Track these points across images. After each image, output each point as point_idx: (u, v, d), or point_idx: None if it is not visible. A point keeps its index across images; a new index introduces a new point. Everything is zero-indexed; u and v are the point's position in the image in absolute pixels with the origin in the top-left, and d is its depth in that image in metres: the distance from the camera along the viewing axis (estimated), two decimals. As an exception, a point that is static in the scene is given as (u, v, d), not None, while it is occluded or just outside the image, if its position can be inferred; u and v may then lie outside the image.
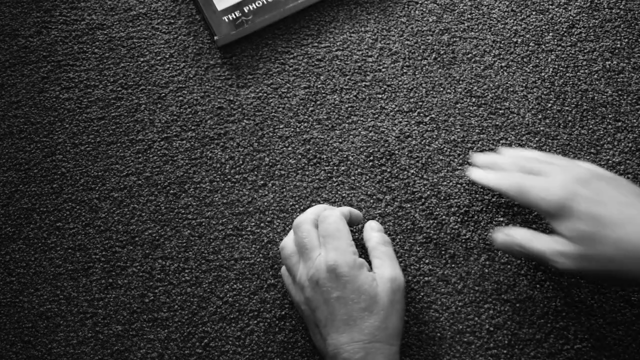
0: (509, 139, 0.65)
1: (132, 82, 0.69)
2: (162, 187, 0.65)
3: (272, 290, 0.61)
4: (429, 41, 0.70)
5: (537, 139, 0.65)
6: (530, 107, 0.67)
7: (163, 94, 0.69)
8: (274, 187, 0.65)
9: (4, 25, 0.72)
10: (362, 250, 0.60)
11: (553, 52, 0.69)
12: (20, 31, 0.71)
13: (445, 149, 0.65)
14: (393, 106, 0.67)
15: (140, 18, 0.72)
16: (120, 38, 0.71)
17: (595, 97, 0.67)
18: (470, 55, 0.69)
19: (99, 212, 0.64)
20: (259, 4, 0.69)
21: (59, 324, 0.61)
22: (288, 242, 0.58)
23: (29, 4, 0.72)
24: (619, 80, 0.67)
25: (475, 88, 0.68)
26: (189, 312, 0.61)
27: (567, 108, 0.66)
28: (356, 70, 0.69)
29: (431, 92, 0.68)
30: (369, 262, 0.58)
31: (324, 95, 0.68)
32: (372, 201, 0.64)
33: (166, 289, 0.62)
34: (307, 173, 0.65)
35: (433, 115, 0.67)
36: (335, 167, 0.65)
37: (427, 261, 0.62)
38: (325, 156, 0.66)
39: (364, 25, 0.70)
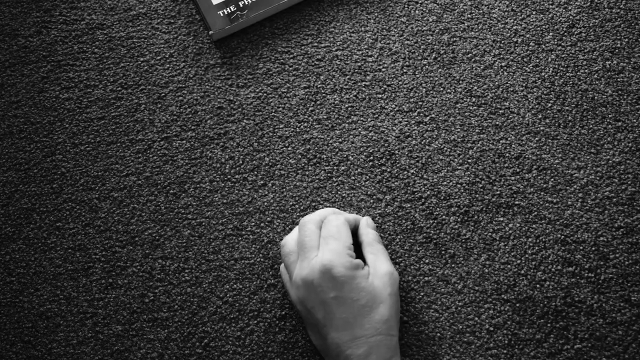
0: (509, 139, 0.65)
1: (132, 82, 0.69)
2: (162, 187, 0.65)
3: (272, 290, 0.61)
4: (429, 41, 0.70)
5: (537, 139, 0.65)
6: (530, 107, 0.67)
7: (163, 94, 0.69)
8: (274, 187, 0.65)
9: (4, 25, 0.72)
10: (356, 245, 0.60)
11: (553, 52, 0.69)
12: (20, 31, 0.71)
13: (445, 149, 0.65)
14: (393, 106, 0.67)
15: (140, 18, 0.72)
16: (120, 38, 0.71)
17: (595, 97, 0.67)
18: (470, 55, 0.69)
19: (99, 212, 0.64)
20: None
21: (59, 324, 0.61)
22: (289, 240, 0.58)
23: (29, 4, 0.72)
24: (619, 80, 0.67)
25: (475, 88, 0.68)
26: (189, 312, 0.61)
27: (567, 108, 0.66)
28: (356, 70, 0.69)
29: (431, 92, 0.68)
30: (362, 257, 0.58)
31: (324, 95, 0.68)
32: (372, 201, 0.64)
33: (166, 289, 0.62)
34: (307, 173, 0.65)
35: (433, 115, 0.67)
36: (335, 167, 0.65)
37: (427, 261, 0.62)
38: (325, 156, 0.66)
39: (364, 25, 0.70)
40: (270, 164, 0.66)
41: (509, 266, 0.61)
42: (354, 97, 0.68)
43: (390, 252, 0.62)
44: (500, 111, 0.67)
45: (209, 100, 0.68)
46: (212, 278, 0.62)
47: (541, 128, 0.66)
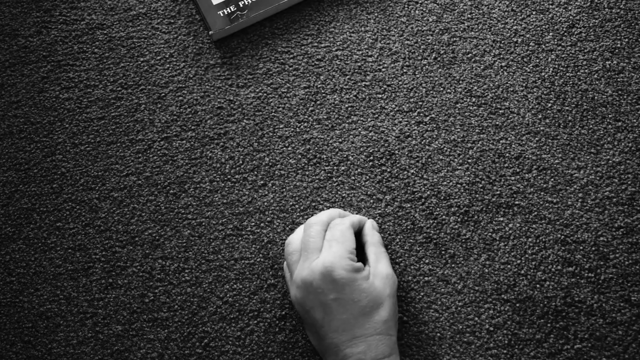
0: (509, 139, 0.65)
1: (132, 82, 0.69)
2: (162, 187, 0.65)
3: (272, 290, 0.61)
4: (429, 41, 0.70)
5: (537, 139, 0.65)
6: (530, 107, 0.67)
7: (163, 94, 0.69)
8: (274, 187, 0.65)
9: (4, 25, 0.72)
10: (358, 246, 0.60)
11: (553, 52, 0.69)
12: (20, 31, 0.71)
13: (445, 149, 0.65)
14: (393, 106, 0.67)
15: (140, 18, 0.72)
16: (120, 38, 0.71)
17: (595, 97, 0.67)
18: (470, 55, 0.69)
19: (99, 212, 0.64)
20: None
21: (59, 324, 0.61)
22: (294, 239, 0.58)
23: (29, 4, 0.72)
24: (619, 80, 0.67)
25: (475, 88, 0.68)
26: (189, 312, 0.61)
27: (567, 108, 0.66)
28: (356, 70, 0.69)
29: (431, 92, 0.68)
30: (364, 257, 0.58)
31: (324, 95, 0.68)
32: (372, 201, 0.64)
33: (166, 289, 0.62)
34: (307, 173, 0.65)
35: (433, 115, 0.67)
36: (335, 167, 0.65)
37: (427, 261, 0.62)
38: (325, 156, 0.66)
39: (364, 25, 0.70)
40: (270, 164, 0.66)
41: (509, 266, 0.61)
42: (354, 97, 0.68)
43: (390, 252, 0.62)
44: (500, 111, 0.67)
45: (209, 100, 0.68)
46: (212, 278, 0.62)
47: (541, 128, 0.66)
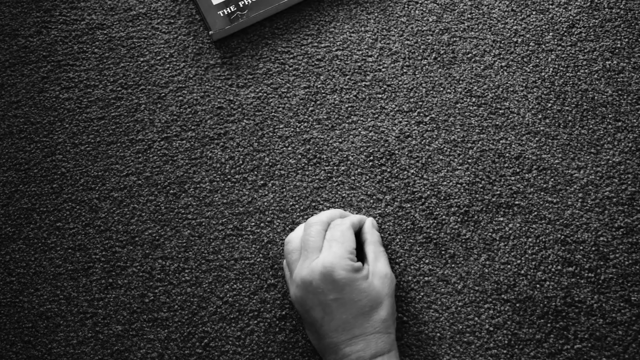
0: (509, 139, 0.65)
1: (132, 82, 0.69)
2: (162, 187, 0.65)
3: (272, 290, 0.61)
4: (429, 41, 0.70)
5: (537, 139, 0.65)
6: (530, 107, 0.67)
7: (163, 94, 0.69)
8: (274, 187, 0.65)
9: (4, 25, 0.72)
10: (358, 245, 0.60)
11: (553, 52, 0.69)
12: (20, 31, 0.71)
13: (445, 149, 0.65)
14: (393, 106, 0.67)
15: (140, 18, 0.72)
16: (120, 38, 0.71)
17: (595, 97, 0.67)
18: (470, 55, 0.69)
19: (99, 212, 0.64)
20: None
21: (59, 324, 0.61)
22: (294, 238, 0.58)
23: (29, 4, 0.72)
24: (619, 80, 0.67)
25: (475, 88, 0.68)
26: (189, 312, 0.61)
27: (567, 108, 0.66)
28: (356, 70, 0.69)
29: (431, 92, 0.68)
30: (363, 256, 0.58)
31: (324, 95, 0.68)
32: (372, 201, 0.64)
33: (166, 289, 0.62)
34: (307, 173, 0.65)
35: (433, 115, 0.67)
36: (335, 167, 0.65)
37: (427, 261, 0.62)
38: (325, 156, 0.66)
39: (364, 25, 0.70)
40: (270, 164, 0.66)
41: (509, 266, 0.61)
42: (354, 97, 0.68)
43: (390, 252, 0.62)
44: (500, 111, 0.67)
45: (209, 100, 0.68)
46: (212, 278, 0.62)
47: (541, 128, 0.66)
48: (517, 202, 0.63)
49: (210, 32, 0.69)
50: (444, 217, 0.63)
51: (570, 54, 0.68)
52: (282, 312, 0.61)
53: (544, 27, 0.70)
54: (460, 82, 0.68)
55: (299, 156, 0.66)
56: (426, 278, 0.61)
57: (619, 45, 0.69)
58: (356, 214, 0.64)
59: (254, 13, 0.69)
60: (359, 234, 0.60)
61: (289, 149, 0.66)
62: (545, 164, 0.64)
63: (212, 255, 0.63)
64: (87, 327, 0.61)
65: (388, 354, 0.53)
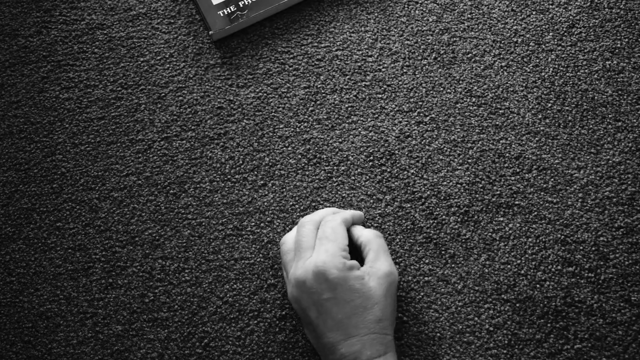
0: (509, 139, 0.65)
1: (132, 82, 0.69)
2: (162, 187, 0.65)
3: (272, 290, 0.61)
4: (429, 41, 0.70)
5: (537, 139, 0.65)
6: (530, 107, 0.67)
7: (163, 94, 0.69)
8: (274, 187, 0.65)
9: (4, 25, 0.72)
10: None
11: (553, 52, 0.69)
12: (20, 31, 0.71)
13: (445, 149, 0.65)
14: (393, 106, 0.67)
15: (140, 18, 0.72)
16: (120, 38, 0.71)
17: (595, 97, 0.67)
18: (470, 55, 0.69)
19: (99, 212, 0.64)
20: None
21: (59, 324, 0.61)
22: (289, 238, 0.58)
23: (29, 4, 0.72)
24: (619, 80, 0.67)
25: (475, 88, 0.68)
26: (189, 312, 0.61)
27: (567, 108, 0.66)
28: (356, 70, 0.69)
29: (431, 92, 0.68)
30: (362, 257, 0.58)
31: (324, 95, 0.68)
32: (372, 201, 0.64)
33: (166, 289, 0.62)
34: (307, 173, 0.65)
35: (433, 115, 0.67)
36: (335, 167, 0.65)
37: (427, 261, 0.62)
38: (325, 156, 0.66)
39: (364, 25, 0.70)
40: (270, 164, 0.66)
41: (509, 266, 0.61)
42: (354, 97, 0.68)
43: (390, 252, 0.62)
44: (500, 111, 0.67)
45: (209, 100, 0.68)
46: (212, 278, 0.62)
47: (541, 128, 0.66)
48: (517, 202, 0.63)
49: (210, 32, 0.69)
50: (444, 217, 0.63)
51: (570, 54, 0.68)
52: (282, 312, 0.61)
53: (544, 27, 0.70)
54: (460, 82, 0.68)
55: (299, 156, 0.66)
56: (426, 278, 0.61)
57: (619, 45, 0.69)
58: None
59: (254, 13, 0.69)
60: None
61: (289, 149, 0.66)
62: (545, 164, 0.64)
63: (212, 255, 0.63)
64: (87, 327, 0.61)
65: (384, 356, 0.53)
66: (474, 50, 0.69)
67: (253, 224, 0.64)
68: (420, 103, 0.67)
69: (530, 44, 0.69)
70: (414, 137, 0.66)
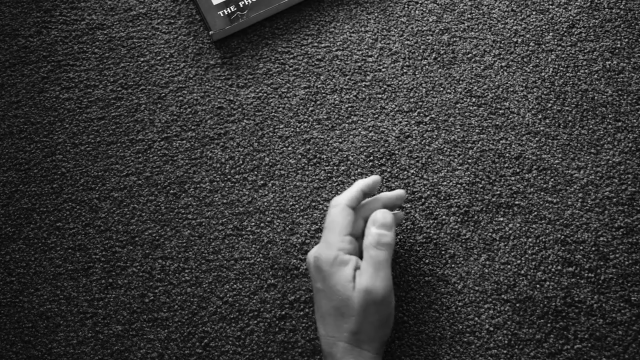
0: (509, 139, 0.65)
1: (132, 82, 0.69)
2: (162, 187, 0.65)
3: (272, 290, 0.61)
4: (429, 41, 0.70)
5: (537, 139, 0.65)
6: (530, 107, 0.67)
7: (163, 94, 0.69)
8: (274, 187, 0.65)
9: (4, 25, 0.72)
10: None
11: (553, 52, 0.69)
12: (20, 31, 0.71)
13: (445, 149, 0.65)
14: (393, 106, 0.67)
15: (140, 18, 0.72)
16: (120, 38, 0.71)
17: (595, 97, 0.67)
18: (470, 55, 0.69)
19: (99, 212, 0.64)
20: None
21: (59, 324, 0.61)
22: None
23: (29, 4, 0.72)
24: (619, 80, 0.67)
25: (475, 88, 0.68)
26: (189, 312, 0.61)
27: (567, 108, 0.66)
28: (356, 70, 0.69)
29: (431, 92, 0.68)
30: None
31: (324, 95, 0.68)
32: (372, 201, 0.64)
33: (166, 289, 0.62)
34: (307, 173, 0.65)
35: (433, 115, 0.67)
36: (335, 167, 0.65)
37: (427, 261, 0.62)
38: (325, 156, 0.66)
39: (364, 25, 0.70)
40: (270, 164, 0.66)
41: (509, 266, 0.61)
42: (354, 97, 0.68)
43: (390, 252, 0.62)
44: (500, 111, 0.67)
45: (209, 100, 0.68)
46: (212, 278, 0.62)
47: (541, 128, 0.66)
48: (517, 202, 0.63)
49: (210, 32, 0.69)
50: (444, 217, 0.63)
51: (570, 54, 0.68)
52: (282, 312, 0.61)
53: (544, 27, 0.70)
54: (460, 82, 0.68)
55: (299, 156, 0.66)
56: (426, 278, 0.61)
57: (619, 45, 0.69)
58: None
59: (254, 13, 0.69)
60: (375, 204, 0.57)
61: (289, 149, 0.66)
62: (545, 164, 0.64)
63: (212, 255, 0.63)
64: (87, 327, 0.61)
65: None
66: (474, 50, 0.69)
67: (253, 224, 0.64)
68: (420, 103, 0.67)
69: (530, 44, 0.69)
70: (414, 137, 0.66)
